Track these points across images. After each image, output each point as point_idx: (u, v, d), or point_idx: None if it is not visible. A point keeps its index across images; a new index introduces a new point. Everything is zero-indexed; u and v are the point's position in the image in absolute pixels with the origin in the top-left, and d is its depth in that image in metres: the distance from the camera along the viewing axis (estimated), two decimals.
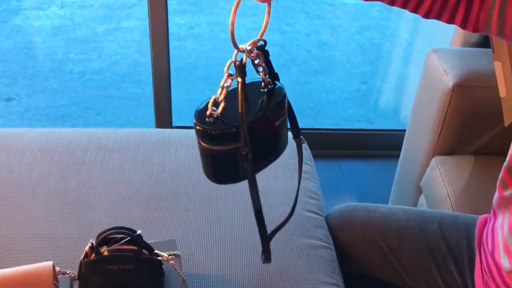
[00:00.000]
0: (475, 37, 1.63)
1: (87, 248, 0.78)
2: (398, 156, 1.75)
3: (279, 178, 1.15)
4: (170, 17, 1.96)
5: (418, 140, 1.56)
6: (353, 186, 2.02)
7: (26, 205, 1.06)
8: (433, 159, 1.44)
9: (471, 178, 1.33)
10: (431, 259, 0.98)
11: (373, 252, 1.01)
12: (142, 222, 1.03)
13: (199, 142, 0.74)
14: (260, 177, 0.75)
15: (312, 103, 2.82)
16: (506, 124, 1.32)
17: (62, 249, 0.96)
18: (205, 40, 3.49)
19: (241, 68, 0.72)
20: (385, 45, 3.53)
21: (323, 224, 1.07)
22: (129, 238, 0.78)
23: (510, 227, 0.78)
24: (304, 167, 1.22)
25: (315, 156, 1.26)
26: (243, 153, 0.71)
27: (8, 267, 0.75)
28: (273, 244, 0.84)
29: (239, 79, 0.71)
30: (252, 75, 0.76)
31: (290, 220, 0.88)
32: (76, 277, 0.83)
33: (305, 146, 1.31)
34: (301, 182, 0.87)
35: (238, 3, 0.71)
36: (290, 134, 0.82)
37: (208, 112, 0.71)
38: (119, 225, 0.81)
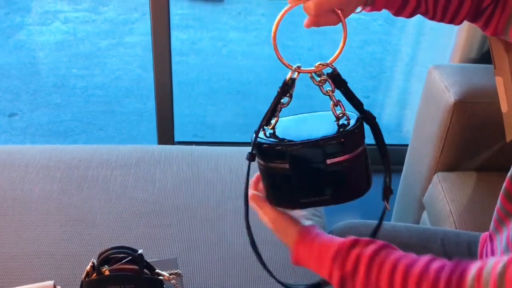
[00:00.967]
0: (473, 53, 1.64)
1: (88, 267, 0.78)
2: (401, 171, 1.75)
3: None
4: (172, 32, 1.97)
5: (420, 156, 1.56)
6: (356, 202, 2.01)
7: (28, 222, 1.06)
8: (436, 175, 1.44)
9: (473, 194, 1.33)
10: None
11: None
12: (143, 239, 1.03)
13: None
14: None
15: None
16: (508, 139, 1.31)
17: (64, 267, 0.96)
18: (208, 55, 3.51)
19: (284, 87, 0.70)
20: (387, 60, 3.54)
21: None
22: (130, 257, 0.78)
23: (507, 239, 0.77)
24: None
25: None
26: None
27: (10, 286, 0.75)
28: (273, 262, 0.84)
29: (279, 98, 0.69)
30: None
31: None
32: None
33: None
34: None
35: (284, 14, 0.69)
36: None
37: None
38: (121, 244, 0.81)
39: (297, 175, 0.68)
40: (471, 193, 1.34)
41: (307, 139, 0.68)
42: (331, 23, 0.73)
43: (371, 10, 0.76)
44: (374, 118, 0.72)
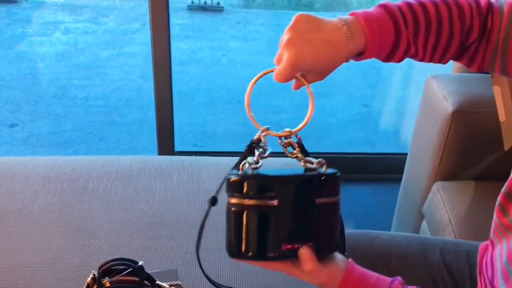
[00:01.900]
0: None
1: (89, 279, 0.78)
2: (400, 179, 1.75)
3: None
4: (172, 42, 1.98)
5: (419, 165, 1.57)
6: (356, 211, 2.02)
7: (29, 234, 1.07)
8: (435, 184, 1.44)
9: (472, 203, 1.33)
10: (433, 286, 0.97)
11: None
12: (143, 251, 1.04)
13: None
14: None
15: (314, 126, 2.83)
16: (506, 148, 1.32)
17: (65, 279, 0.96)
18: (207, 65, 3.53)
19: (250, 146, 0.69)
20: (386, 68, 3.56)
21: None
22: (131, 269, 0.78)
23: (509, 254, 0.78)
24: None
25: None
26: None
27: None
28: (275, 273, 0.84)
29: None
30: None
31: None
32: None
33: None
34: None
35: (256, 80, 0.70)
36: None
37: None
38: (121, 255, 0.81)
39: (284, 215, 0.63)
40: (470, 202, 1.34)
41: (299, 174, 0.66)
42: (317, 79, 0.73)
43: (359, 59, 0.74)
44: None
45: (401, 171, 1.74)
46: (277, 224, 0.64)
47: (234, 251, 0.66)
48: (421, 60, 0.77)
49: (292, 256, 0.66)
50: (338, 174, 0.68)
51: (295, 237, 0.65)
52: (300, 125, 0.70)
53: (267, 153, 0.69)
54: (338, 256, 0.73)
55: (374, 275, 0.75)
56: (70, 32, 3.83)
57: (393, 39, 0.71)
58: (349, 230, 1.11)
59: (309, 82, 0.73)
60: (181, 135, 2.58)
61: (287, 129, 0.70)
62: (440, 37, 0.74)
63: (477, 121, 1.37)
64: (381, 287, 0.74)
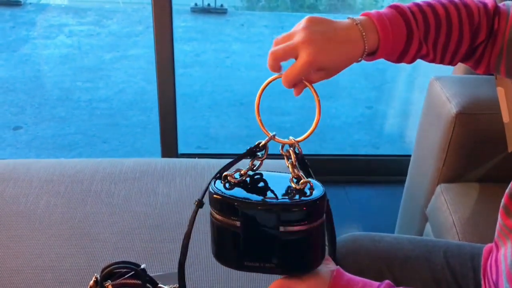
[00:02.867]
0: None
1: (91, 282, 0.78)
2: (404, 181, 1.75)
3: None
4: (176, 45, 1.99)
5: (422, 167, 1.56)
6: (359, 213, 2.02)
7: (32, 237, 1.07)
8: (438, 186, 1.44)
9: (476, 206, 1.33)
10: None
11: (378, 282, 1.00)
12: (146, 254, 1.04)
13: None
14: None
15: (317, 128, 2.81)
16: (510, 149, 1.31)
17: (68, 282, 0.96)
18: (211, 67, 3.53)
19: (254, 149, 0.70)
20: (390, 70, 3.55)
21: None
22: (133, 272, 0.78)
23: None
24: None
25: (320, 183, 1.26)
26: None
27: None
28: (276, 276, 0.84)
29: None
30: None
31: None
32: None
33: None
34: None
35: (264, 87, 0.70)
36: None
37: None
38: (124, 258, 0.81)
39: (247, 236, 0.65)
40: (474, 204, 1.34)
41: (264, 201, 0.66)
42: (325, 78, 0.73)
43: (371, 59, 0.74)
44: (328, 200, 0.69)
45: (404, 173, 1.74)
46: (239, 242, 0.66)
47: (212, 252, 0.72)
48: (432, 60, 0.77)
49: (259, 271, 0.68)
50: (315, 200, 0.65)
51: (258, 257, 0.67)
52: (305, 135, 0.69)
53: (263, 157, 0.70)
54: (323, 268, 0.72)
55: (361, 280, 0.73)
56: (74, 35, 3.85)
57: (405, 37, 0.72)
58: (352, 233, 1.11)
59: (314, 81, 0.72)
60: (184, 137, 2.58)
61: (292, 138, 0.70)
62: (451, 36, 0.75)
63: (481, 123, 1.36)
64: None
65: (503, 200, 0.82)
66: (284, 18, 4.46)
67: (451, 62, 0.79)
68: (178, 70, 2.08)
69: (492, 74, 1.33)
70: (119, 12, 4.31)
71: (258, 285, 0.98)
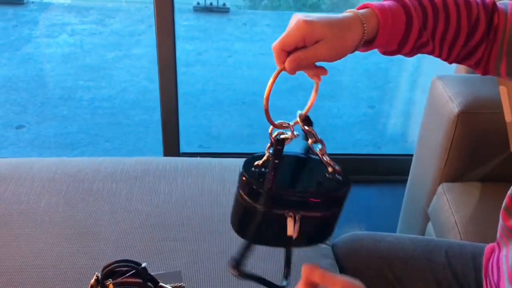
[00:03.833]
0: None
1: (92, 281, 0.78)
2: (406, 181, 1.75)
3: None
4: (178, 44, 1.99)
5: (424, 167, 1.56)
6: (361, 213, 2.01)
7: (34, 236, 1.07)
8: (440, 186, 1.43)
9: (478, 205, 1.33)
10: None
11: (379, 282, 1.00)
12: (147, 253, 1.04)
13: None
14: None
15: (319, 128, 2.80)
16: None
17: (69, 281, 0.96)
18: (213, 66, 3.53)
19: (276, 147, 0.67)
20: (392, 70, 3.55)
21: (330, 254, 1.07)
22: (134, 271, 0.78)
23: None
24: None
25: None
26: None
27: None
28: (278, 275, 0.84)
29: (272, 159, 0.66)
30: None
31: (297, 249, 0.88)
32: None
33: None
34: None
35: (276, 76, 0.66)
36: None
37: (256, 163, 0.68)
38: (125, 257, 0.81)
39: (266, 218, 0.66)
40: (476, 203, 1.33)
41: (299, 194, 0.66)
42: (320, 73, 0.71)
43: (370, 49, 0.73)
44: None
45: (406, 173, 1.74)
46: (259, 223, 0.66)
47: (232, 225, 0.71)
48: (431, 52, 0.76)
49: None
50: (344, 191, 0.68)
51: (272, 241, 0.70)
52: (306, 108, 0.70)
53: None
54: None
55: None
56: (76, 34, 3.85)
57: (405, 25, 0.70)
58: (353, 232, 1.11)
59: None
60: (186, 136, 2.58)
61: (299, 113, 0.70)
62: (449, 25, 0.73)
63: (483, 122, 1.36)
64: None
65: (504, 201, 0.82)
66: (286, 17, 4.44)
67: (450, 55, 0.77)
68: (180, 69, 2.08)
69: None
70: (122, 11, 4.31)
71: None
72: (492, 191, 1.37)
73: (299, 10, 4.60)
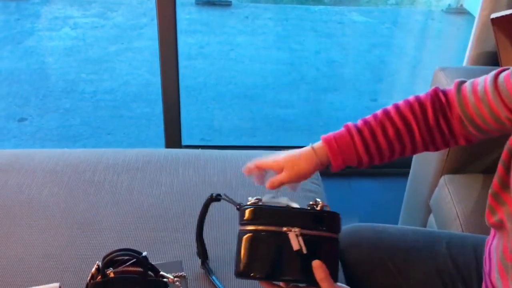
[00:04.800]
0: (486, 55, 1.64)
1: (93, 270, 0.78)
2: (408, 174, 1.75)
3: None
4: (180, 37, 1.98)
5: (426, 158, 1.56)
6: (363, 205, 2.01)
7: (36, 226, 1.08)
8: (442, 178, 1.43)
9: (480, 197, 1.32)
10: (439, 280, 0.97)
11: (381, 273, 1.00)
12: (149, 243, 1.04)
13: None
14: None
15: (321, 120, 2.82)
16: None
17: (70, 271, 0.97)
18: (215, 59, 3.53)
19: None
20: (394, 63, 3.54)
21: None
22: (135, 259, 0.78)
23: (504, 248, 0.77)
24: (312, 186, 1.22)
25: (324, 175, 1.26)
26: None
27: (18, 287, 0.76)
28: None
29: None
30: None
31: None
32: None
33: None
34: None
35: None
36: None
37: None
38: (126, 247, 0.81)
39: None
40: (477, 195, 1.33)
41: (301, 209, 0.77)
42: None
43: (336, 169, 0.90)
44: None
45: (408, 166, 1.73)
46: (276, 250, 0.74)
47: (240, 268, 0.76)
48: (407, 152, 0.91)
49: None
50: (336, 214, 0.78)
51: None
52: None
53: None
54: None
55: None
56: (78, 27, 3.85)
57: (352, 146, 0.87)
58: (355, 224, 1.11)
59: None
60: (188, 129, 2.58)
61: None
62: (403, 143, 0.89)
63: None
64: None
65: (487, 201, 0.82)
66: (288, 10, 4.44)
67: (433, 142, 0.90)
68: (182, 62, 2.07)
69: (496, 65, 1.32)
70: (124, 4, 4.30)
71: None
72: None
73: (302, 3, 4.59)
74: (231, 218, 1.10)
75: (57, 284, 0.74)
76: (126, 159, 1.27)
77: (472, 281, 0.96)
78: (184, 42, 3.61)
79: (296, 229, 0.71)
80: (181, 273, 0.91)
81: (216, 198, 0.90)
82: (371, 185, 2.17)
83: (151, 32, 3.73)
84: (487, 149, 1.41)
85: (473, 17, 1.75)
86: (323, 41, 3.81)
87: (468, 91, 0.86)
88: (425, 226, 1.53)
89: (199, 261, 0.99)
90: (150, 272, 0.80)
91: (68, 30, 3.79)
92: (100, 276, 0.78)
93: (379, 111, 0.91)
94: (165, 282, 0.83)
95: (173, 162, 1.28)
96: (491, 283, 0.81)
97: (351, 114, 2.91)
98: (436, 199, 1.44)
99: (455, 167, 1.43)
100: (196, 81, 3.16)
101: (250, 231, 0.74)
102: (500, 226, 0.80)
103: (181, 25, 2.07)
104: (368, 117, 0.90)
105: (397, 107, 0.89)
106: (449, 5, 4.29)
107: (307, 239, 0.71)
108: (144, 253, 0.80)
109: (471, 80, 0.89)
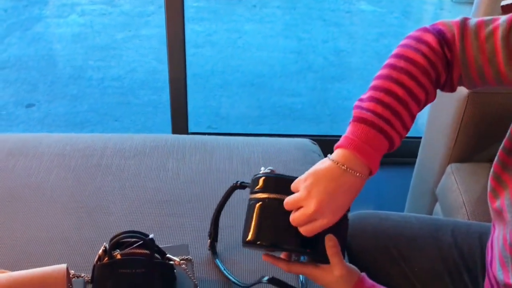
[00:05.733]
0: None
1: (100, 251, 0.79)
2: (414, 163, 1.74)
3: None
4: (188, 25, 1.98)
5: (433, 147, 1.55)
6: (369, 194, 2.00)
7: (43, 209, 1.08)
8: (449, 166, 1.43)
9: (486, 185, 1.32)
10: (444, 268, 0.97)
11: (385, 260, 1.01)
12: (155, 228, 1.04)
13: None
14: None
15: (329, 110, 2.82)
16: None
17: (77, 253, 0.98)
18: (223, 47, 3.52)
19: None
20: None
21: None
22: (141, 242, 0.79)
23: (504, 240, 0.77)
24: None
25: None
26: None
27: (25, 269, 0.77)
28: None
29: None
30: None
31: None
32: (90, 281, 0.84)
33: (319, 152, 1.31)
34: None
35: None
36: None
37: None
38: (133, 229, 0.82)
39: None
40: (484, 184, 1.33)
41: None
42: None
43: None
44: None
45: (414, 155, 1.73)
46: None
47: (248, 236, 0.77)
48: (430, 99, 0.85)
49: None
50: None
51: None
52: None
53: None
54: (353, 266, 0.78)
55: None
56: (86, 14, 3.85)
57: (387, 142, 0.77)
58: (358, 211, 1.11)
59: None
60: (195, 117, 2.58)
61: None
62: (419, 102, 0.80)
63: (492, 103, 1.35)
64: None
65: (489, 183, 0.82)
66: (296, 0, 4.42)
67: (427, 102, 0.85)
68: (190, 50, 2.07)
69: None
70: None
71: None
72: None
73: None
74: (240, 205, 1.11)
75: (64, 265, 0.75)
76: (133, 144, 1.28)
77: (477, 269, 0.96)
78: (192, 30, 3.60)
79: None
80: (188, 257, 0.91)
81: (241, 185, 0.88)
82: (377, 174, 2.16)
83: (159, 19, 3.72)
84: (494, 138, 1.41)
85: None
86: (331, 30, 3.79)
87: (473, 40, 0.77)
88: (431, 215, 1.53)
89: (205, 246, 1.00)
90: (156, 255, 0.81)
91: (76, 17, 3.79)
92: (107, 258, 0.79)
93: (380, 81, 0.81)
94: (172, 265, 0.83)
95: (180, 147, 1.28)
96: (493, 273, 0.81)
97: None
98: (443, 187, 1.44)
99: (462, 156, 1.43)
100: (203, 69, 3.16)
101: (262, 199, 0.74)
102: (499, 215, 0.80)
103: (188, 13, 2.06)
104: (374, 93, 0.81)
105: (408, 73, 0.78)
106: None
107: None
108: (151, 236, 0.80)
109: (475, 22, 0.77)
